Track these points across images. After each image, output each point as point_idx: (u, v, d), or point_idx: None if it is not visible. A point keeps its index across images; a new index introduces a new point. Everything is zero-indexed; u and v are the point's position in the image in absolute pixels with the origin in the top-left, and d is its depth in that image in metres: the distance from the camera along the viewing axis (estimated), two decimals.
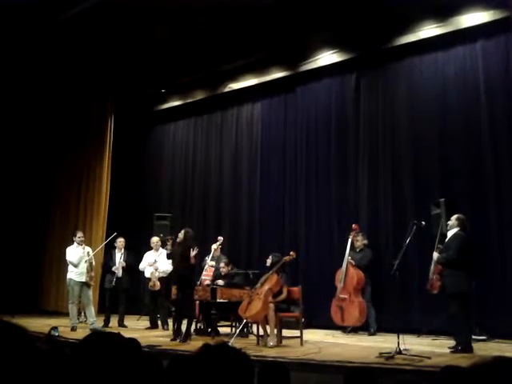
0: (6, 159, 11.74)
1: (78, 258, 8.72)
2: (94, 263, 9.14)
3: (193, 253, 7.54)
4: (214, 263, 8.97)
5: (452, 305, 6.32)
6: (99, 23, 9.17)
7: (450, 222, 6.64)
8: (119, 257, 9.58)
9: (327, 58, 9.61)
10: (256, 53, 9.89)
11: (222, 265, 8.82)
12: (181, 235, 7.78)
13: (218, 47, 9.76)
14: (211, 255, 8.94)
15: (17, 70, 10.84)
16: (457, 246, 6.38)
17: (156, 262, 9.18)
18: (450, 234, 6.61)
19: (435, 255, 6.65)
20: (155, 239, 9.46)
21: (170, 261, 8.20)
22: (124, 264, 9.52)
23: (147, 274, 9.30)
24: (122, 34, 9.54)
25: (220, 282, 8.36)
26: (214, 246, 9.01)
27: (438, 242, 6.85)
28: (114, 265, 9.51)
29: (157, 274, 9.13)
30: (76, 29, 9.35)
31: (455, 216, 6.64)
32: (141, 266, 9.45)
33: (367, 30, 8.89)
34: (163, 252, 9.25)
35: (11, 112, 11.74)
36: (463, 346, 6.15)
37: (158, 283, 9.11)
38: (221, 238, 9.16)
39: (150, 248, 9.52)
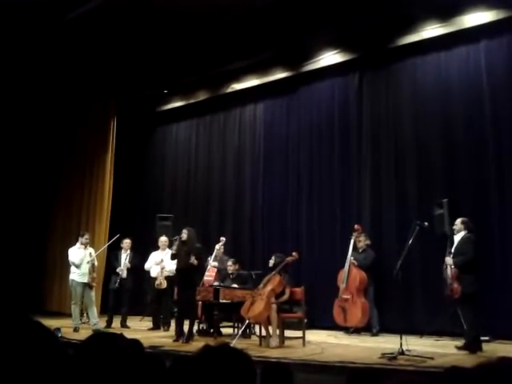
0: (8, 161, 11.75)
1: (80, 258, 8.74)
2: (96, 264, 9.15)
3: (192, 259, 7.51)
4: (216, 264, 8.96)
5: (464, 306, 6.38)
6: (101, 24, 9.17)
7: (455, 227, 6.67)
8: (124, 258, 9.55)
9: (330, 58, 9.59)
10: (258, 53, 9.88)
11: (229, 263, 8.79)
12: (184, 235, 7.76)
13: (221, 48, 9.75)
14: (213, 256, 8.93)
15: (20, 71, 10.85)
16: (471, 249, 6.48)
17: (163, 262, 9.14)
18: (457, 237, 6.64)
19: (449, 260, 6.59)
20: (164, 239, 9.41)
21: (175, 261, 8.16)
22: (129, 265, 9.48)
23: (153, 274, 9.26)
24: (124, 35, 9.54)
25: (234, 285, 8.35)
26: (216, 247, 9.01)
27: (449, 247, 6.82)
28: (119, 266, 9.50)
29: (164, 272, 9.09)
30: (79, 30, 9.35)
31: (459, 220, 6.68)
32: (146, 266, 9.43)
33: (370, 29, 8.86)
34: (169, 252, 9.23)
35: (14, 113, 11.76)
36: (471, 346, 6.21)
37: (165, 282, 9.08)
38: (223, 239, 9.16)
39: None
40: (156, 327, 9.17)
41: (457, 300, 6.49)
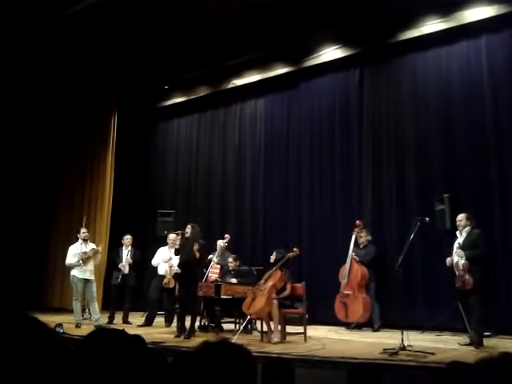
0: (10, 157, 11.76)
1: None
2: (100, 256, 9.23)
3: (195, 247, 7.53)
4: (219, 259, 8.94)
5: (475, 299, 6.37)
6: (102, 20, 9.16)
7: (461, 223, 6.66)
8: (126, 254, 9.55)
9: (331, 53, 9.58)
10: (259, 49, 9.86)
11: (230, 259, 8.78)
12: (188, 230, 7.76)
13: (222, 43, 9.74)
14: (217, 252, 8.92)
15: (20, 68, 10.84)
16: (483, 243, 6.52)
17: (171, 259, 9.02)
18: (464, 232, 6.63)
19: (460, 252, 6.56)
20: (172, 236, 9.24)
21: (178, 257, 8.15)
22: (131, 261, 9.49)
23: (161, 271, 9.22)
24: (124, 31, 9.53)
25: (233, 280, 8.35)
26: (220, 244, 8.99)
27: (455, 241, 6.79)
28: (121, 262, 9.49)
29: (172, 270, 9.03)
30: (79, 26, 9.34)
31: (465, 215, 6.67)
32: (154, 262, 9.38)
33: (371, 25, 8.85)
34: None
35: (15, 110, 11.75)
36: (475, 340, 6.23)
37: (173, 280, 9.00)
38: (228, 236, 9.13)
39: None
40: (148, 323, 9.06)
41: (469, 291, 6.42)
